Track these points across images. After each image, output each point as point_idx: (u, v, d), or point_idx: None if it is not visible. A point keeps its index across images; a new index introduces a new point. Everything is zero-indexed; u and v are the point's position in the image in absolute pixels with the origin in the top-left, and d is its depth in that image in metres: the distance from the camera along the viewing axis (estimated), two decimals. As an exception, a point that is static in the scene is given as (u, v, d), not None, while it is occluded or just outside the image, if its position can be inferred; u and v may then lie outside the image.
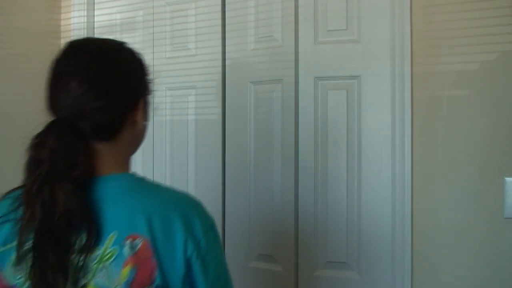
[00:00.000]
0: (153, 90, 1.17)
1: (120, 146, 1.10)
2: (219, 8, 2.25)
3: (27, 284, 0.98)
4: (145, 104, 1.13)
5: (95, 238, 0.98)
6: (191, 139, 2.31)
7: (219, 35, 2.25)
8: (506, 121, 1.76)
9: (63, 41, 2.51)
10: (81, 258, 0.96)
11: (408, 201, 1.88)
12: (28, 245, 0.97)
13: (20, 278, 1.00)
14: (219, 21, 2.26)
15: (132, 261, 0.98)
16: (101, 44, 1.13)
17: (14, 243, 1.00)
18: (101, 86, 1.04)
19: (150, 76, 1.16)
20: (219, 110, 2.25)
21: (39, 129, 1.05)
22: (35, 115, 2.38)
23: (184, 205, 1.06)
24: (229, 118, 2.23)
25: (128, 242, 0.99)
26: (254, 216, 2.15)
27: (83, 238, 0.97)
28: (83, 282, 0.97)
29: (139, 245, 0.99)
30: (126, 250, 0.98)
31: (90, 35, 2.52)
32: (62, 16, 2.53)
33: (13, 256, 1.00)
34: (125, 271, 0.98)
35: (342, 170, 2.00)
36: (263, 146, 2.15)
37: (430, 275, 1.86)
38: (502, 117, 1.77)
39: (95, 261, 0.98)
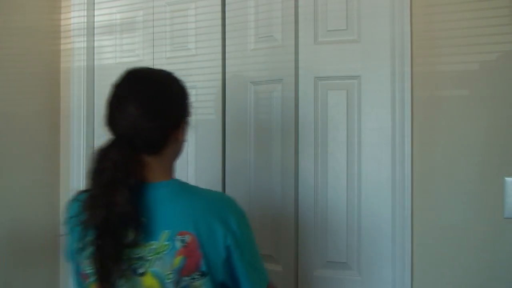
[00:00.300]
0: (192, 112, 1.43)
1: (165, 158, 1.34)
2: (219, 8, 2.25)
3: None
4: (186, 124, 1.39)
5: (143, 235, 1.22)
6: (191, 139, 2.31)
7: (219, 35, 2.25)
8: (506, 121, 1.76)
9: (63, 41, 2.53)
10: (136, 251, 1.23)
11: (408, 201, 1.88)
12: (90, 240, 1.22)
13: (91, 268, 1.25)
14: (219, 21, 2.26)
15: (182, 253, 1.24)
16: (154, 75, 1.38)
17: (86, 239, 1.24)
18: (153, 111, 1.28)
19: (190, 100, 1.42)
20: (219, 110, 2.25)
21: (102, 143, 1.28)
22: (34, 115, 2.40)
23: (221, 205, 1.31)
24: (229, 118, 2.23)
25: (179, 237, 1.24)
26: (254, 216, 2.15)
27: (133, 234, 1.21)
28: (142, 270, 1.24)
29: (188, 240, 1.24)
30: (178, 243, 1.24)
31: (90, 35, 2.52)
32: (62, 16, 2.52)
33: (89, 251, 1.24)
34: (177, 260, 1.24)
35: (342, 170, 2.00)
36: (263, 146, 2.15)
37: (430, 275, 1.86)
38: (502, 117, 1.77)
39: (152, 253, 1.23)
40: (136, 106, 1.27)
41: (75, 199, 1.36)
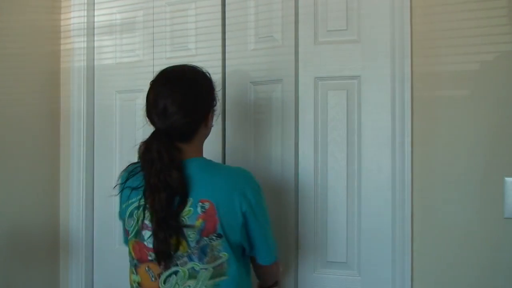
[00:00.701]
0: (218, 100, 1.68)
1: (196, 142, 1.60)
2: (219, 8, 2.25)
3: (136, 228, 1.56)
4: (213, 113, 1.64)
5: (185, 201, 1.50)
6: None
7: (219, 35, 2.25)
8: (506, 121, 1.76)
9: (63, 41, 2.53)
10: (179, 213, 1.49)
11: (408, 201, 1.88)
12: (142, 204, 1.54)
13: (132, 225, 1.58)
14: (219, 21, 2.25)
15: (202, 217, 1.49)
16: (185, 74, 1.61)
17: (132, 202, 1.58)
18: (185, 110, 1.52)
19: (216, 91, 1.66)
20: (219, 110, 2.25)
21: (146, 138, 1.54)
22: (34, 115, 2.39)
23: (238, 177, 1.56)
24: (229, 118, 2.23)
25: (200, 204, 1.50)
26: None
27: (179, 201, 1.49)
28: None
29: (207, 207, 1.49)
30: (199, 209, 1.49)
31: (90, 35, 2.52)
32: (62, 16, 2.52)
33: (130, 210, 1.58)
34: (198, 223, 1.49)
35: (342, 170, 2.00)
36: (263, 146, 2.15)
37: (430, 275, 1.86)
38: (502, 117, 1.77)
39: (183, 216, 1.49)
40: (170, 104, 1.52)
41: (126, 170, 1.64)
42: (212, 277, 1.52)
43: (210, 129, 1.67)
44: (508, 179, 1.75)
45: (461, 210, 1.82)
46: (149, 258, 1.54)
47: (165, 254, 1.51)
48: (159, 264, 1.53)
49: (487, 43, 1.79)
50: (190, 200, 1.50)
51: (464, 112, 1.82)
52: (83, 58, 2.49)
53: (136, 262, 1.59)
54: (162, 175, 1.49)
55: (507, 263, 1.76)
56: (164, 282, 1.54)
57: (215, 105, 1.66)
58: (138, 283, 1.60)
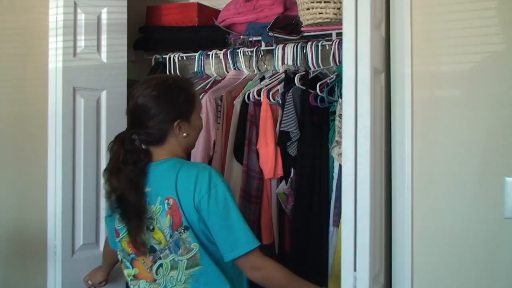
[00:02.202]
0: (191, 111, 1.82)
1: (168, 147, 1.78)
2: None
3: (124, 229, 1.77)
4: (180, 123, 1.77)
5: (148, 200, 1.72)
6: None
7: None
8: (506, 121, 1.76)
9: (52, 40, 2.46)
10: (148, 213, 1.71)
11: (408, 201, 1.87)
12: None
13: (121, 225, 1.79)
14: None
15: (169, 213, 1.69)
16: (157, 83, 1.80)
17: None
18: (151, 115, 1.74)
19: (189, 102, 1.81)
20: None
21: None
22: (22, 115, 2.33)
23: (197, 174, 1.69)
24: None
25: (166, 201, 1.70)
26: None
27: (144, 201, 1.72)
28: (151, 226, 1.72)
29: (171, 203, 1.69)
30: (166, 206, 1.70)
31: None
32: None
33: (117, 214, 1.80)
34: (167, 219, 1.69)
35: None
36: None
37: (430, 275, 1.86)
38: (502, 117, 1.77)
39: (154, 214, 1.71)
40: (139, 111, 1.77)
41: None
42: (187, 267, 1.70)
43: (188, 138, 1.81)
44: (508, 179, 1.75)
45: (461, 210, 1.82)
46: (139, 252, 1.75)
47: (144, 249, 1.73)
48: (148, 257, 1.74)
49: (487, 43, 1.79)
50: (159, 199, 1.71)
51: (464, 112, 1.82)
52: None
53: (134, 256, 1.79)
54: (113, 174, 1.76)
55: (507, 263, 1.77)
56: (156, 273, 1.74)
57: (185, 116, 1.79)
58: (134, 275, 1.80)
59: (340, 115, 2.14)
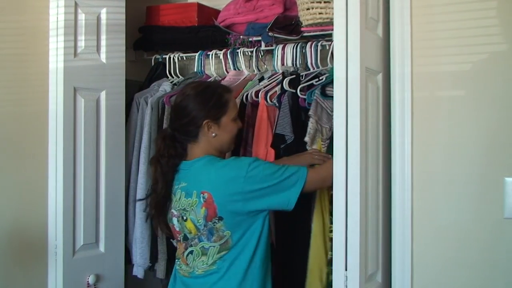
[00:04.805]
0: (221, 114, 1.98)
1: (201, 145, 1.98)
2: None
3: (168, 215, 2.02)
4: (209, 123, 1.95)
5: (184, 194, 1.95)
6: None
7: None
8: (506, 121, 1.77)
9: (52, 40, 2.46)
10: (182, 204, 1.95)
11: (408, 201, 1.87)
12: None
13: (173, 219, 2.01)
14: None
15: (205, 205, 1.88)
16: (194, 86, 2.04)
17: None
18: (186, 113, 1.97)
19: (220, 105, 1.98)
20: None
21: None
22: (25, 115, 2.32)
23: (229, 169, 1.91)
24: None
25: (201, 195, 1.89)
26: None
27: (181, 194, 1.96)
28: (185, 217, 1.94)
29: (206, 197, 1.88)
30: (201, 199, 1.89)
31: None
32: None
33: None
34: (202, 210, 1.89)
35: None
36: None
37: (430, 275, 1.87)
38: (502, 117, 1.78)
39: (190, 205, 1.92)
40: (175, 114, 2.05)
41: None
42: (219, 252, 1.91)
43: (219, 138, 1.98)
44: (508, 179, 1.76)
45: (461, 210, 1.83)
46: (178, 238, 2.00)
47: (172, 234, 2.04)
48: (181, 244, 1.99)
49: (487, 43, 1.80)
50: (195, 193, 1.90)
51: (464, 112, 1.82)
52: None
53: (176, 240, 2.05)
54: (165, 166, 1.99)
55: (507, 263, 1.77)
56: (187, 258, 1.98)
57: (213, 117, 1.96)
58: (178, 256, 2.05)
59: (310, 115, 2.18)
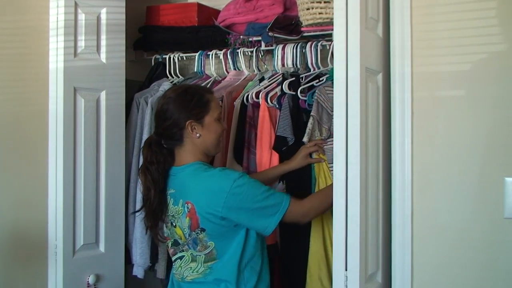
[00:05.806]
0: (204, 114, 1.97)
1: (187, 149, 1.98)
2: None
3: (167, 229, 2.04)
4: (192, 123, 1.95)
5: (172, 201, 1.96)
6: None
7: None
8: (506, 121, 1.77)
9: (52, 40, 2.46)
10: (171, 211, 1.96)
11: (408, 201, 1.87)
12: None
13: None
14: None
15: (188, 215, 1.90)
16: (175, 89, 2.08)
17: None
18: (168, 116, 1.96)
19: (202, 105, 1.97)
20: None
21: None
22: (25, 115, 2.33)
23: (213, 182, 1.89)
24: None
25: (186, 205, 1.90)
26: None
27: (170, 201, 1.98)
28: (174, 223, 1.96)
29: (190, 207, 1.89)
30: (185, 209, 1.90)
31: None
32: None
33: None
34: (187, 220, 1.91)
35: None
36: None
37: (430, 275, 1.86)
38: (502, 117, 1.78)
39: (177, 213, 1.94)
40: (157, 119, 2.02)
41: None
42: (205, 261, 1.92)
43: (203, 139, 1.97)
44: (508, 179, 1.76)
45: (461, 210, 1.83)
46: (167, 244, 2.05)
47: (166, 241, 2.05)
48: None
49: (487, 43, 1.80)
50: (181, 201, 1.93)
51: (464, 112, 1.82)
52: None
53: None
54: (148, 172, 1.98)
55: (507, 263, 1.77)
56: (177, 263, 2.01)
57: (195, 119, 1.95)
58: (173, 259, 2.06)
59: (312, 116, 2.18)
